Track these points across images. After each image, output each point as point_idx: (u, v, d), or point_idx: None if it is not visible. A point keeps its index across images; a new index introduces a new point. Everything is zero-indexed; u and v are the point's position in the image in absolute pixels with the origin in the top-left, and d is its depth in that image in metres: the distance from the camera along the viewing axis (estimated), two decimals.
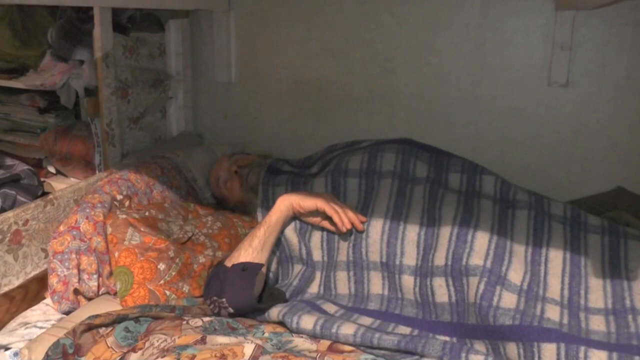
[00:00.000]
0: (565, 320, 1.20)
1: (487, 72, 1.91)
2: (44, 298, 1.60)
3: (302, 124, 2.22)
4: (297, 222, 1.51)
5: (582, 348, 1.09)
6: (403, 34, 1.98)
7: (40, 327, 1.46)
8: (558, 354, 1.10)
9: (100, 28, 1.92)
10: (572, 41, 1.77)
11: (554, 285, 1.28)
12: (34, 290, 1.61)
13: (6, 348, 1.37)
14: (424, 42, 1.96)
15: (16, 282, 1.56)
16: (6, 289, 1.53)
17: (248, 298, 1.34)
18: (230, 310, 1.35)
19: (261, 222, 1.48)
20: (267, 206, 1.64)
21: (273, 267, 1.51)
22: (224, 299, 1.35)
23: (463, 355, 1.14)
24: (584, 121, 1.83)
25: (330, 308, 1.38)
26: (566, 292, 1.27)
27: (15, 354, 1.33)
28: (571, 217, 1.45)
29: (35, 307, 1.57)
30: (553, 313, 1.21)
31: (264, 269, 1.42)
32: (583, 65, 1.79)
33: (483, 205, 1.44)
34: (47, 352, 1.25)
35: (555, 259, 1.33)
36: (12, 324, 1.50)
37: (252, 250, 1.42)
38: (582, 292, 1.27)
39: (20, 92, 2.32)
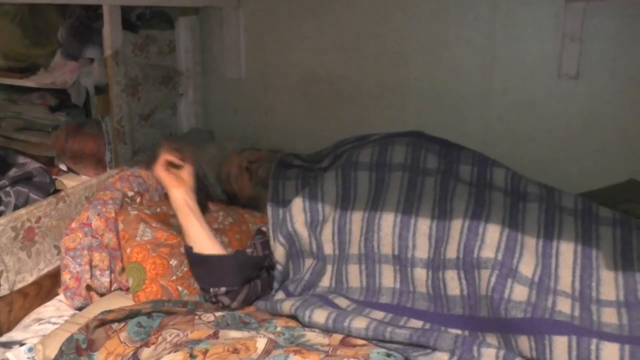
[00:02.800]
0: (577, 313, 1.20)
1: (497, 65, 1.90)
2: (57, 294, 1.62)
3: (313, 119, 2.23)
4: (308, 216, 1.51)
5: (594, 340, 1.08)
6: (413, 28, 1.98)
7: (54, 323, 1.47)
8: (569, 347, 1.09)
9: (109, 26, 1.93)
10: (582, 33, 1.76)
11: (565, 278, 1.27)
12: (47, 286, 1.62)
13: (21, 344, 1.38)
14: (434, 36, 1.96)
15: (30, 279, 1.57)
16: (20, 285, 1.54)
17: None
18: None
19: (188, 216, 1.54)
20: (277, 200, 1.64)
21: (283, 261, 1.52)
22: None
23: (475, 348, 1.14)
24: (596, 113, 1.82)
25: (342, 302, 1.38)
26: (577, 284, 1.27)
27: (30, 350, 1.35)
28: (582, 210, 1.44)
29: (49, 303, 1.58)
30: (564, 306, 1.21)
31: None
32: (594, 57, 1.78)
33: (494, 198, 1.43)
34: (60, 348, 1.26)
35: (567, 251, 1.32)
36: (27, 319, 1.51)
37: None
38: (594, 284, 1.26)
39: (31, 90, 2.33)
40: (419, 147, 1.59)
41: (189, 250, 1.49)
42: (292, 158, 1.82)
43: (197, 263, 1.48)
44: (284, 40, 2.20)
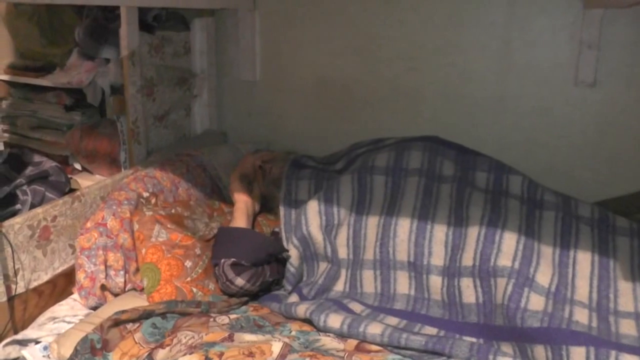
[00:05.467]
0: (594, 324, 1.19)
1: (513, 72, 1.89)
2: (72, 293, 1.62)
3: (327, 122, 2.22)
4: (323, 219, 1.51)
5: (613, 352, 1.08)
6: (428, 32, 1.97)
7: (68, 322, 1.48)
8: (587, 358, 1.09)
9: (126, 27, 1.93)
10: (599, 40, 1.75)
11: (582, 288, 1.27)
12: (62, 285, 1.63)
13: (36, 342, 1.39)
14: (449, 41, 1.95)
15: (45, 277, 1.58)
16: (35, 284, 1.55)
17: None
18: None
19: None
20: (290, 200, 1.65)
21: (296, 263, 1.52)
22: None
23: (490, 357, 1.14)
24: (611, 121, 1.81)
25: (357, 308, 1.38)
26: (595, 295, 1.26)
27: (45, 348, 1.35)
28: (599, 219, 1.44)
29: (63, 302, 1.59)
30: (581, 316, 1.20)
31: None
32: (611, 64, 1.77)
33: (510, 205, 1.43)
34: (75, 347, 1.27)
35: (584, 261, 1.32)
36: (41, 318, 1.52)
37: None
38: (612, 295, 1.26)
39: (47, 90, 2.34)
40: (435, 153, 1.58)
41: (220, 227, 1.60)
42: (306, 159, 1.82)
43: (221, 237, 1.55)
44: (298, 43, 2.20)
